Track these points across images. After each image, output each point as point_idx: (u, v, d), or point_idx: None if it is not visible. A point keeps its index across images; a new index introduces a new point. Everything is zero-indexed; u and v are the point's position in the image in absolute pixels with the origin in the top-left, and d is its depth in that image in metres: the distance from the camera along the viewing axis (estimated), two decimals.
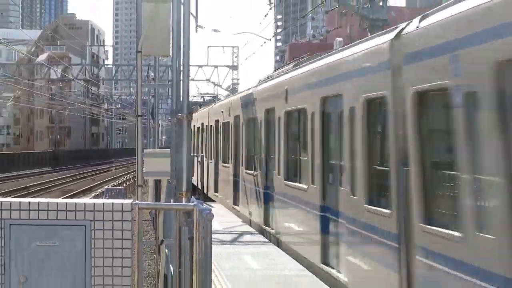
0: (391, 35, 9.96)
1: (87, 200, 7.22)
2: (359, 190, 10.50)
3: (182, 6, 10.26)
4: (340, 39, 15.27)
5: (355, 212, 10.51)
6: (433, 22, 8.62)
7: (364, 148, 10.52)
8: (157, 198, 14.79)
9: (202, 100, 75.86)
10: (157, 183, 15.13)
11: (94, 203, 6.94)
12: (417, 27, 9.13)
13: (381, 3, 23.06)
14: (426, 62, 8.66)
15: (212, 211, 6.91)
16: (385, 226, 9.60)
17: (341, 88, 11.94)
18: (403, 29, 9.65)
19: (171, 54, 11.72)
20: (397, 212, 9.15)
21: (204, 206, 7.16)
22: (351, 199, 10.74)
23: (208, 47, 73.44)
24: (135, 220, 7.02)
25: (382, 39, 10.33)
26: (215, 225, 17.69)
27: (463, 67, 7.62)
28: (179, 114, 9.99)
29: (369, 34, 19.31)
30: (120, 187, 36.59)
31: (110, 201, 7.09)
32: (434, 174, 8.55)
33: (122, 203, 6.98)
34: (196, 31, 21.65)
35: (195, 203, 7.57)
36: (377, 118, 10.57)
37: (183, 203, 9.21)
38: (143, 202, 8.94)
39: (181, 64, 10.39)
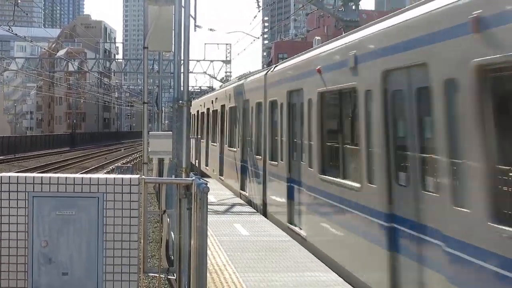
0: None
1: (100, 175, 7.18)
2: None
3: (183, 9, 10.18)
4: (318, 37, 15.80)
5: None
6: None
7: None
8: (160, 174, 14.74)
9: (199, 90, 75.39)
10: (161, 161, 15.06)
11: (106, 178, 6.91)
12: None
13: (353, 7, 23.01)
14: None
15: (207, 185, 6.88)
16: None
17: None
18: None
19: (173, 49, 11.64)
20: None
21: (201, 181, 7.13)
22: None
23: (205, 44, 73.08)
24: (141, 193, 7.00)
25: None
26: (210, 197, 17.69)
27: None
28: (180, 102, 9.91)
29: (343, 32, 19.37)
30: (128, 165, 36.43)
31: (120, 176, 7.06)
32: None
33: (130, 178, 6.96)
34: (195, 30, 21.47)
35: (194, 178, 7.54)
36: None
37: (183, 178, 9.15)
38: (148, 177, 8.90)
39: (182, 58, 10.31)
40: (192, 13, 10.44)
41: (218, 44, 61.07)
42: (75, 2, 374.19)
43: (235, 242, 12.67)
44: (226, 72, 62.87)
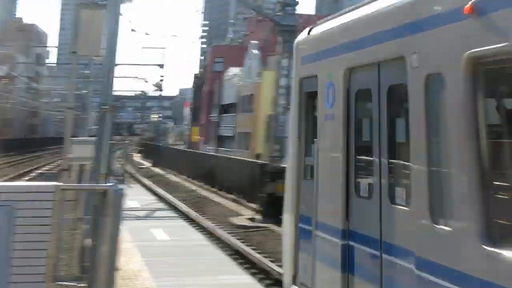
0: None
1: (12, 183, 7.16)
2: None
3: (114, 13, 10.16)
4: (255, 41, 15.98)
5: None
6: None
7: None
8: (80, 180, 14.66)
9: (133, 95, 74.83)
10: (82, 167, 14.95)
11: (17, 186, 6.87)
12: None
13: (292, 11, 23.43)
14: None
15: (125, 191, 6.90)
16: None
17: None
18: None
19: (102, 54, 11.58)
20: None
21: (117, 187, 7.14)
22: None
23: (142, 48, 72.66)
24: (56, 200, 6.95)
25: None
26: (134, 203, 17.67)
27: None
28: (103, 107, 9.85)
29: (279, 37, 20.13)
30: (52, 171, 35.95)
31: (34, 183, 7.05)
32: None
33: (44, 185, 6.93)
34: (130, 33, 21.57)
35: (110, 184, 7.56)
36: None
37: (101, 184, 9.14)
38: (64, 184, 8.88)
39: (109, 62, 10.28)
40: (129, 17, 10.43)
41: (153, 48, 60.80)
42: (6, 5, 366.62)
43: (155, 247, 12.72)
44: (161, 76, 62.63)
